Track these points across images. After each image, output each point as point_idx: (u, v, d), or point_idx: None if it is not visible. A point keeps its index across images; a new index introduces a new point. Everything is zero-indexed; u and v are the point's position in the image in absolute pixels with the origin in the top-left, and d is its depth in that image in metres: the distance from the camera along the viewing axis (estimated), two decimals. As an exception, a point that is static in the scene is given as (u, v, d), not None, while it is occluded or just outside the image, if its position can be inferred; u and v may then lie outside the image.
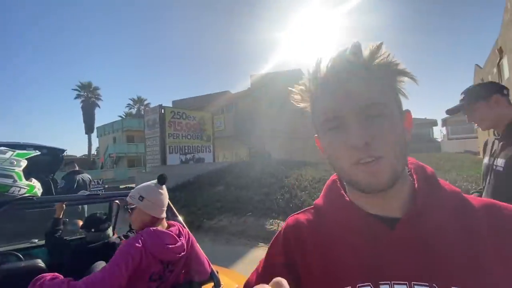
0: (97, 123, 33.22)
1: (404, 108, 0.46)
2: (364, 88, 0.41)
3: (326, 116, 0.43)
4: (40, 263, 1.53)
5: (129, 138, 29.56)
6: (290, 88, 0.50)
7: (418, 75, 0.44)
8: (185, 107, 11.80)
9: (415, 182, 0.46)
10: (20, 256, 2.15)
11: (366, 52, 0.42)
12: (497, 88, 1.35)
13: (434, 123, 30.28)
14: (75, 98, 33.10)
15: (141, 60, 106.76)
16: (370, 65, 0.42)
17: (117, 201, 2.46)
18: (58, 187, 4.73)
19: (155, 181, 1.47)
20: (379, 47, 0.42)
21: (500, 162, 1.30)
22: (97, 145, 34.18)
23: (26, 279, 1.39)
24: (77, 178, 4.82)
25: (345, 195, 0.49)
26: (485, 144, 1.55)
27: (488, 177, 1.39)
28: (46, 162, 5.02)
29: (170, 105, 17.16)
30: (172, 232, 1.40)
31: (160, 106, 10.90)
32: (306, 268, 0.47)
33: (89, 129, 32.99)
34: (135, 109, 40.43)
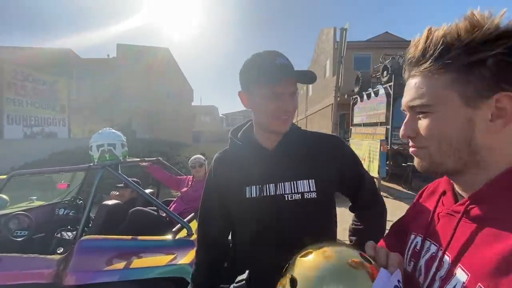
0: None
1: None
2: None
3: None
4: (117, 202, 2.46)
5: None
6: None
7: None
8: (8, 60, 8.66)
9: None
10: (28, 214, 2.47)
11: None
12: None
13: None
14: None
15: None
16: None
17: None
18: None
19: None
20: None
21: None
22: None
23: (118, 212, 2.34)
24: None
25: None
26: None
27: None
28: None
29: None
30: None
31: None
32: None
33: None
34: None
